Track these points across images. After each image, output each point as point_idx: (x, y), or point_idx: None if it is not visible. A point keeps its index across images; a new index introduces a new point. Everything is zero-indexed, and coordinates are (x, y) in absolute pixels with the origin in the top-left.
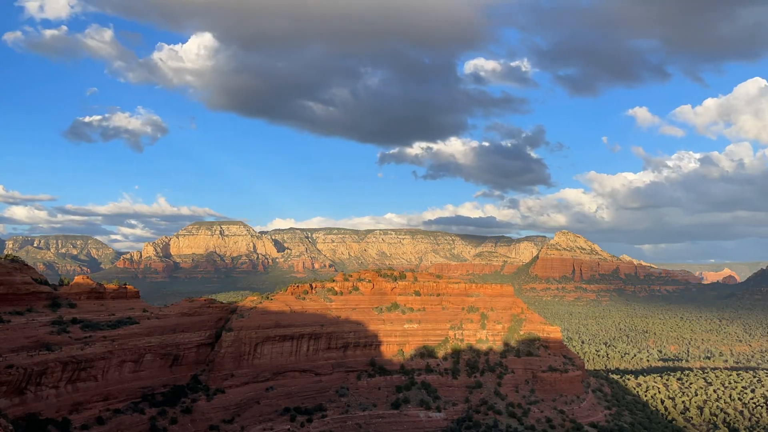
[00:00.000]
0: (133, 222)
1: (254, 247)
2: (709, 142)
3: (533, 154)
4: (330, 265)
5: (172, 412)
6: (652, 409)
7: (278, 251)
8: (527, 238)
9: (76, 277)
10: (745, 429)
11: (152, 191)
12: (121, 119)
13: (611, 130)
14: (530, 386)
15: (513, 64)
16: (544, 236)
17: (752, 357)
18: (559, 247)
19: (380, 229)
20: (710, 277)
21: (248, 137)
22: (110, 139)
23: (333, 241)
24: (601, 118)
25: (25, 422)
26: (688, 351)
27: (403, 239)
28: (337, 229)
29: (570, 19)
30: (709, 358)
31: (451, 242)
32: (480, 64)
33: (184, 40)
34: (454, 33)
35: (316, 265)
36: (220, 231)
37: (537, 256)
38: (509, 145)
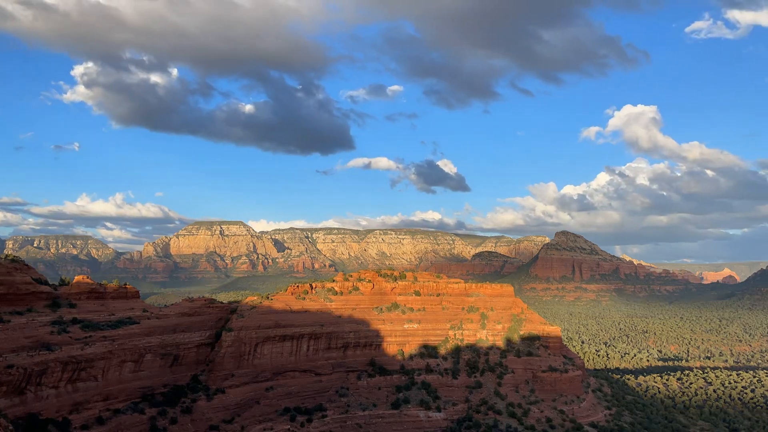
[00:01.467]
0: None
1: (254, 247)
2: None
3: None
4: (330, 265)
5: (172, 412)
6: (652, 409)
7: (278, 251)
8: (527, 238)
9: (76, 277)
10: (745, 429)
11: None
12: None
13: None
14: (530, 386)
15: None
16: (545, 236)
17: (752, 357)
18: (559, 247)
19: (380, 229)
20: (710, 277)
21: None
22: None
23: (333, 241)
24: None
25: (25, 422)
26: (688, 351)
27: (403, 239)
28: (337, 229)
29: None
30: (709, 358)
31: (451, 242)
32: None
33: None
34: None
35: (316, 265)
36: (220, 231)
37: (537, 256)
38: None
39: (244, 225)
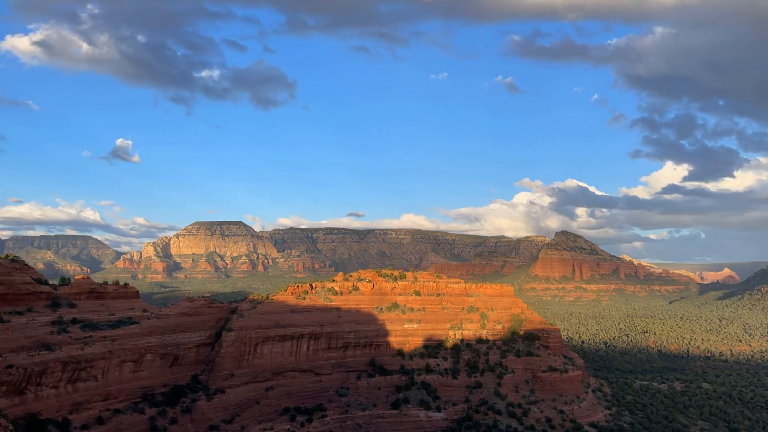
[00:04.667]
0: None
1: (254, 247)
2: None
3: None
4: (330, 265)
5: (172, 412)
6: (652, 409)
7: (278, 251)
8: (527, 238)
9: (76, 277)
10: (745, 429)
11: None
12: None
13: None
14: (530, 386)
15: None
16: (544, 236)
17: (752, 357)
18: (559, 247)
19: (380, 229)
20: (710, 277)
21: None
22: None
23: (333, 241)
24: None
25: (25, 422)
26: (688, 351)
27: (403, 239)
28: (337, 229)
29: None
30: (709, 358)
31: (451, 242)
32: None
33: None
34: None
35: (316, 265)
36: (220, 231)
37: (537, 256)
38: None
39: (244, 225)
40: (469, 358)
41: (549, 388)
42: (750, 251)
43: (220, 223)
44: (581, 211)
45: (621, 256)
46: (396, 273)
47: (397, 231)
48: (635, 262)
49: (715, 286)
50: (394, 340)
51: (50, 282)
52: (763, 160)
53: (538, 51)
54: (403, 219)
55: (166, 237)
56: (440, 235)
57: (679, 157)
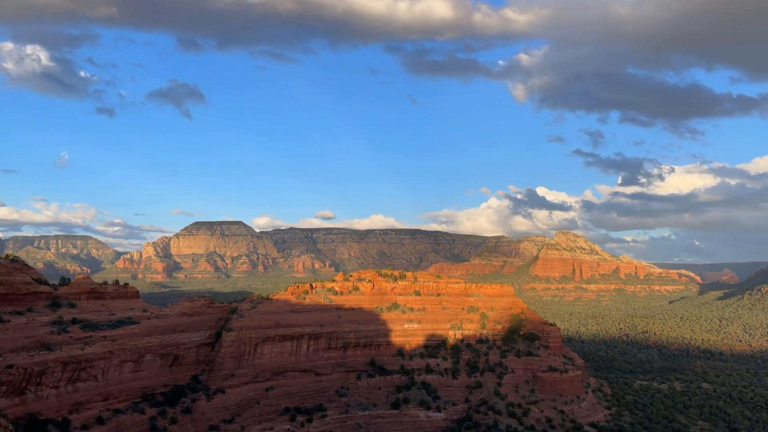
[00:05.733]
0: None
1: (254, 247)
2: None
3: None
4: (330, 265)
5: (172, 412)
6: (652, 409)
7: (278, 251)
8: (527, 238)
9: (76, 277)
10: (745, 429)
11: None
12: None
13: None
14: (530, 386)
15: None
16: (544, 236)
17: (752, 357)
18: (559, 247)
19: (380, 229)
20: (710, 277)
21: None
22: None
23: (333, 241)
24: None
25: (25, 422)
26: (688, 351)
27: (404, 239)
28: (337, 229)
29: None
30: (709, 358)
31: (451, 242)
32: None
33: None
34: None
35: (316, 265)
36: (220, 231)
37: (537, 256)
38: None
39: (244, 225)
40: (469, 358)
41: (549, 388)
42: (724, 251)
43: (220, 223)
44: (542, 214)
45: (621, 256)
46: (396, 273)
47: (397, 231)
48: (635, 262)
49: (715, 286)
50: (394, 340)
51: (50, 282)
52: (679, 167)
53: (432, 66)
54: (373, 219)
55: (166, 237)
56: (440, 235)
57: (606, 166)
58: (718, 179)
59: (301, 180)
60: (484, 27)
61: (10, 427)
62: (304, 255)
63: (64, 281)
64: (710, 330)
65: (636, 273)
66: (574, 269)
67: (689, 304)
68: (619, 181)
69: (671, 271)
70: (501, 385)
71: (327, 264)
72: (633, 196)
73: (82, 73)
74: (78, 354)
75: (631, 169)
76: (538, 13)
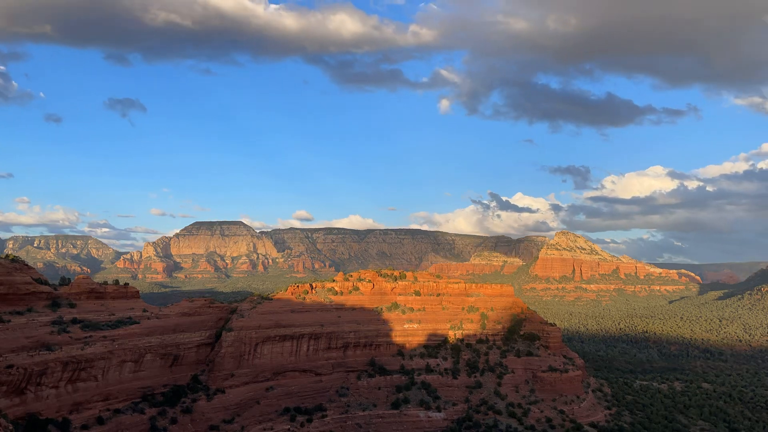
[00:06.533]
0: None
1: (254, 247)
2: None
3: None
4: (330, 265)
5: (172, 412)
6: (652, 409)
7: (278, 251)
8: (527, 238)
9: (76, 277)
10: (745, 429)
11: None
12: None
13: None
14: (530, 386)
15: None
16: (544, 236)
17: (752, 357)
18: (559, 247)
19: (380, 229)
20: (710, 277)
21: None
22: None
23: (333, 241)
24: None
25: (25, 422)
26: (688, 351)
27: (404, 239)
28: (337, 229)
29: None
30: (709, 358)
31: (451, 242)
32: None
33: None
34: None
35: (316, 265)
36: (221, 231)
37: (537, 256)
38: None
39: (244, 225)
40: (469, 358)
41: (549, 388)
42: (705, 252)
43: (220, 223)
44: (512, 217)
45: (621, 256)
46: (396, 273)
47: (397, 231)
48: (635, 262)
49: (715, 286)
50: (394, 340)
51: (50, 282)
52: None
53: (358, 78)
54: (352, 219)
55: (166, 237)
56: (440, 235)
57: (555, 172)
58: (677, 182)
59: (272, 181)
60: (397, 41)
61: (10, 427)
62: (304, 255)
63: (64, 281)
64: (710, 330)
65: (636, 273)
66: (574, 269)
67: (689, 304)
68: (573, 186)
69: (671, 271)
70: (501, 385)
71: (327, 264)
72: (594, 199)
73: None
74: (78, 354)
75: (580, 175)
76: (446, 28)
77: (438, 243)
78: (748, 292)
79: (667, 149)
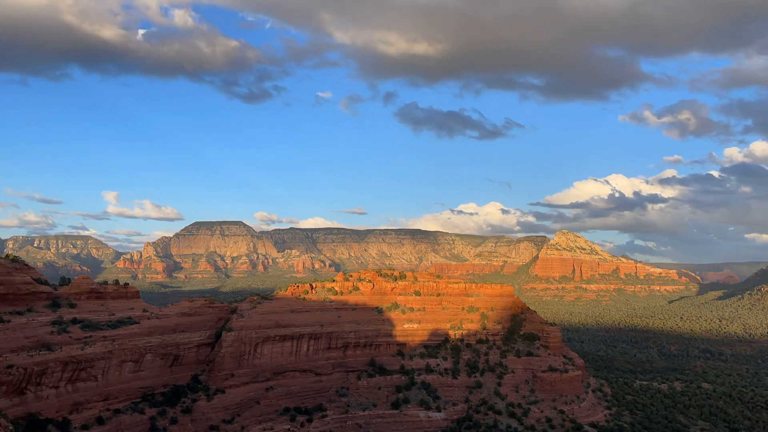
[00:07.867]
0: None
1: (254, 247)
2: None
3: None
4: (330, 265)
5: (172, 412)
6: (652, 409)
7: (278, 251)
8: (527, 238)
9: (76, 277)
10: (745, 429)
11: None
12: None
13: None
14: (530, 386)
15: None
16: (544, 236)
17: (752, 357)
18: (559, 247)
19: (380, 229)
20: (710, 277)
21: None
22: None
23: (333, 241)
24: None
25: (25, 422)
26: (687, 351)
27: (404, 239)
28: (337, 229)
29: None
30: (709, 358)
31: (451, 242)
32: None
33: None
34: None
35: (316, 265)
36: (220, 231)
37: (537, 256)
38: None
39: (244, 225)
40: (469, 358)
41: (549, 388)
42: (674, 252)
43: (220, 223)
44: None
45: (621, 256)
46: (396, 273)
47: (397, 231)
48: (635, 262)
49: (715, 286)
50: (395, 340)
51: (50, 282)
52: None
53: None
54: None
55: (166, 237)
56: (440, 235)
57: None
58: (608, 186)
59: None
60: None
61: (10, 427)
62: (304, 255)
63: (64, 281)
64: (710, 330)
65: (636, 273)
66: (574, 269)
67: (689, 304)
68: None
69: (671, 271)
70: (501, 385)
71: (327, 264)
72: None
73: None
74: (78, 354)
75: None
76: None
77: (438, 243)
78: (748, 292)
79: None
